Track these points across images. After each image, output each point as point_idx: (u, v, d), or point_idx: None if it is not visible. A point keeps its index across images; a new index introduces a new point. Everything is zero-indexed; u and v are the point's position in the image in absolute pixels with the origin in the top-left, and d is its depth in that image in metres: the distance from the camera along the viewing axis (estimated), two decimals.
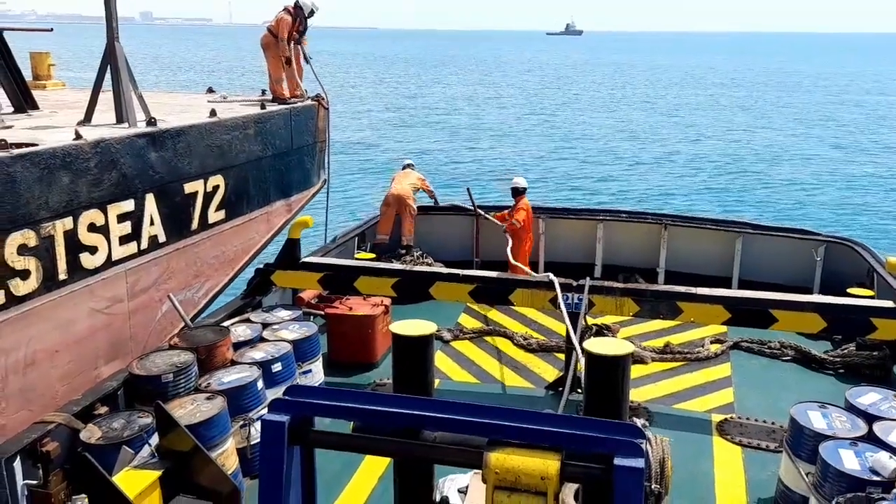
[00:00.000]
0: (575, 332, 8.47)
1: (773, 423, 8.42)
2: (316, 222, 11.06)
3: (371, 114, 58.93)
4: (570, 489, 5.11)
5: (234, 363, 7.95)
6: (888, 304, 8.78)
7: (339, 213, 22.80)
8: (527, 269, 11.18)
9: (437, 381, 9.06)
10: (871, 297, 10.05)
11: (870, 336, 8.94)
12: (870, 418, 6.79)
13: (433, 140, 44.86)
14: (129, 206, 7.84)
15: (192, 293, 9.14)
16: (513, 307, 11.10)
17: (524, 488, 3.45)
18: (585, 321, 9.23)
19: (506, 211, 13.14)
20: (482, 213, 13.29)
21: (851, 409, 7.03)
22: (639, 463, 3.37)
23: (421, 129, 51.59)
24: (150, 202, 8.16)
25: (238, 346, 8.34)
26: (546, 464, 3.43)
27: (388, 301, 10.32)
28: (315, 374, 8.93)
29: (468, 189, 13.93)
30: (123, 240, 7.80)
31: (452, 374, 9.87)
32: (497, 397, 9.31)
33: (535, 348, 10.66)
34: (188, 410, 6.76)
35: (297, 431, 3.75)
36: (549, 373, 9.88)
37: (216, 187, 9.32)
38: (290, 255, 10.20)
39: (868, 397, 7.19)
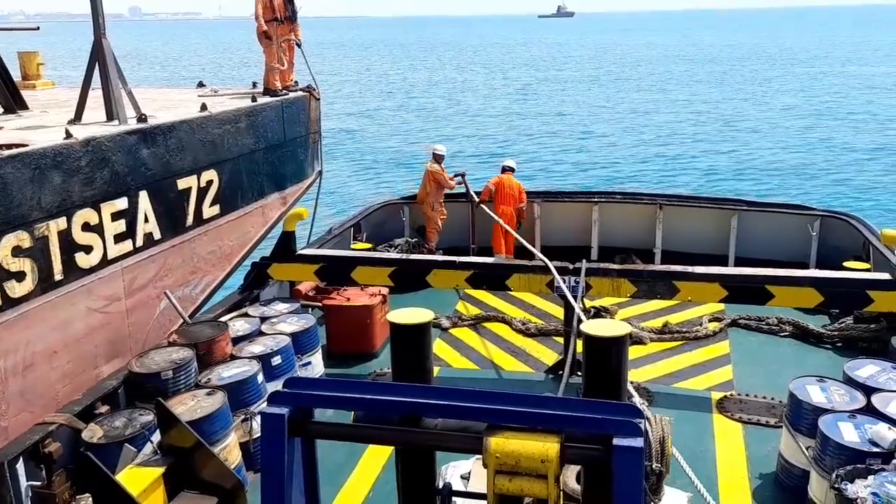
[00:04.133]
0: (573, 315, 8.48)
1: (772, 399, 8.47)
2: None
3: (358, 102, 58.67)
4: (571, 471, 5.14)
5: (233, 358, 7.96)
6: (884, 276, 8.81)
7: (329, 205, 22.81)
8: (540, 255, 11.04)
9: (436, 369, 9.09)
10: (868, 270, 10.07)
11: (867, 309, 8.97)
12: (868, 390, 6.83)
13: (422, 126, 44.78)
14: (122, 203, 7.81)
15: (190, 289, 9.12)
16: (510, 292, 11.11)
17: (525, 472, 3.45)
18: (583, 303, 9.24)
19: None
20: (476, 199, 13.25)
21: (850, 381, 7.08)
22: (637, 443, 3.37)
23: (409, 115, 51.44)
24: (144, 199, 8.12)
25: (237, 340, 8.35)
26: (546, 447, 3.44)
27: (385, 290, 10.33)
28: (315, 366, 8.94)
29: (463, 174, 13.89)
30: (118, 238, 7.77)
31: (452, 361, 9.89)
32: (497, 383, 9.34)
33: (534, 333, 10.69)
34: (189, 406, 6.77)
35: (298, 423, 3.75)
36: (549, 356, 9.90)
37: (210, 182, 9.28)
38: (285, 248, 10.19)
39: (866, 370, 7.24)
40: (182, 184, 8.79)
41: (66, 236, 7.08)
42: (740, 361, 9.60)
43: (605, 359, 4.34)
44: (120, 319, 7.95)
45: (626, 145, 38.02)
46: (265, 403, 5.06)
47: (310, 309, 10.40)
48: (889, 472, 5.48)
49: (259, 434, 7.13)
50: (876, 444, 5.96)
